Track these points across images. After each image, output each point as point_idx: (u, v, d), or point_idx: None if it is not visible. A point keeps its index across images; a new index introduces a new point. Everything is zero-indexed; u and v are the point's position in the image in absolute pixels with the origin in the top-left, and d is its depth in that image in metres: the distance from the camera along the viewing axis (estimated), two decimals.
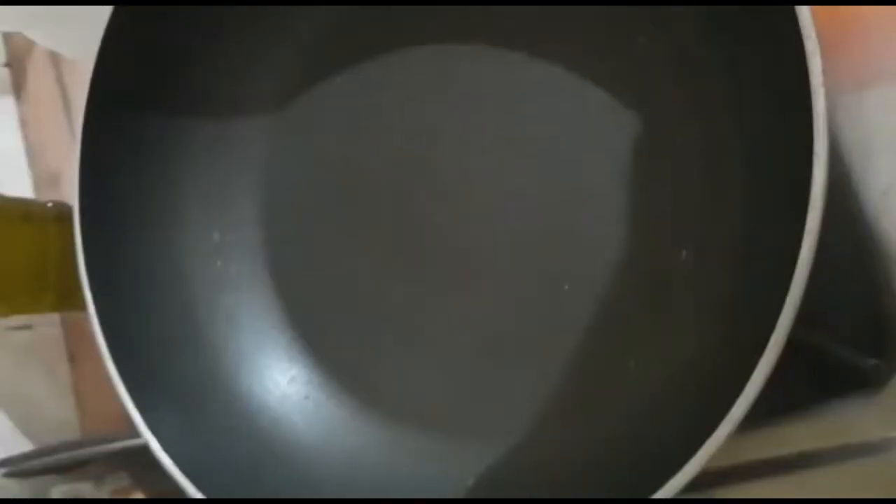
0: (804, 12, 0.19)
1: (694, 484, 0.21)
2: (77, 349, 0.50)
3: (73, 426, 0.50)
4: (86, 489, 0.41)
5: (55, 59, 0.52)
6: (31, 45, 0.51)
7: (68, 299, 0.38)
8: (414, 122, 0.32)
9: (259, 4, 0.33)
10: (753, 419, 0.21)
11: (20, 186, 0.52)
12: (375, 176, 0.33)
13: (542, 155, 0.30)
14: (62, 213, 0.39)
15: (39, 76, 0.53)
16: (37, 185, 0.53)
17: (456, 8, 0.31)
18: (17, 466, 0.42)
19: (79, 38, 0.35)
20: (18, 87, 0.54)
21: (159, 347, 0.32)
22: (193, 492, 0.27)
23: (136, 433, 0.28)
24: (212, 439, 0.30)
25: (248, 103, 0.34)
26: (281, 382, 0.32)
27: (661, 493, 0.21)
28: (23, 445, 0.47)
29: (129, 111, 0.32)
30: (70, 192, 0.31)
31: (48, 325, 0.49)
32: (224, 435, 0.30)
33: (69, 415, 0.50)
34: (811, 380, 0.27)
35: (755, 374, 0.20)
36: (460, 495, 0.29)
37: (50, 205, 0.40)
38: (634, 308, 0.28)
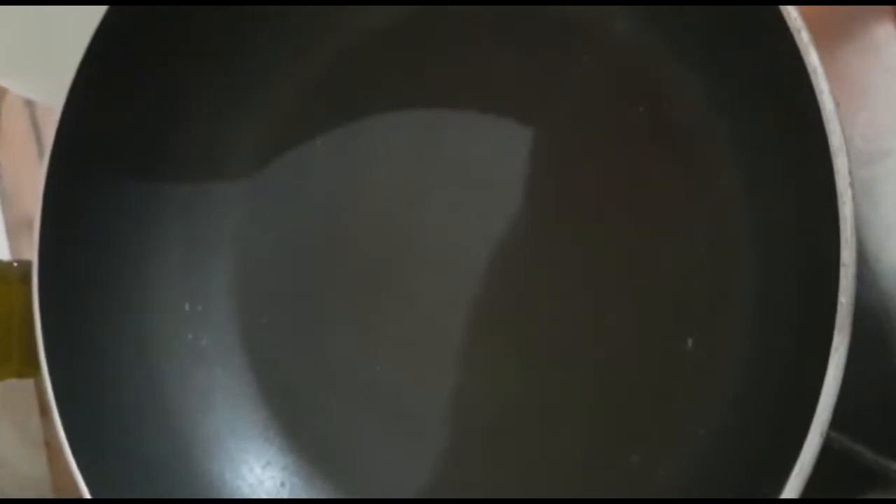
0: (827, 104, 0.17)
1: None
2: None
3: (45, 483, 0.48)
4: None
5: (30, 101, 0.50)
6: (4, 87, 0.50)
7: (34, 366, 0.36)
8: (397, 188, 0.30)
9: (236, 63, 0.31)
10: None
11: None
12: (356, 243, 0.31)
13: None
14: (28, 273, 0.37)
15: (13, 118, 0.51)
16: (11, 230, 0.52)
17: (443, 71, 0.29)
18: None
19: (54, 87, 0.33)
20: None
21: (122, 426, 0.30)
22: None
23: None
24: None
25: (224, 165, 0.32)
26: (255, 467, 0.30)
27: None
28: None
29: (97, 169, 0.30)
30: None
31: None
32: None
33: (41, 472, 0.48)
34: (828, 480, 0.25)
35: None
36: None
37: (15, 264, 0.38)
38: (637, 398, 0.26)
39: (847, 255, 0.17)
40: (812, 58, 0.18)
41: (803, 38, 0.18)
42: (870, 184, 0.25)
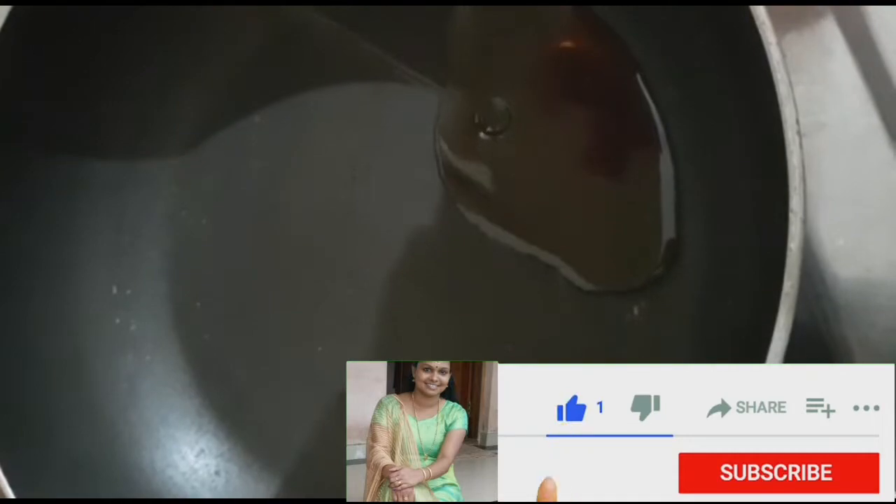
0: (774, 55, 0.18)
1: None
2: None
3: None
4: None
5: None
6: None
7: None
8: (336, 164, 0.30)
9: (173, 38, 0.30)
10: None
11: None
12: (296, 222, 0.30)
13: None
14: None
15: None
16: None
17: (381, 46, 0.29)
18: None
19: None
20: None
21: (45, 413, 0.28)
22: None
23: None
24: None
25: (158, 142, 0.30)
26: (188, 455, 0.29)
27: None
28: None
29: (15, 144, 0.28)
30: None
31: None
32: None
33: None
34: None
35: None
36: None
37: None
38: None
39: (796, 203, 0.17)
40: (760, 12, 0.18)
41: None
42: (805, 153, 0.26)
